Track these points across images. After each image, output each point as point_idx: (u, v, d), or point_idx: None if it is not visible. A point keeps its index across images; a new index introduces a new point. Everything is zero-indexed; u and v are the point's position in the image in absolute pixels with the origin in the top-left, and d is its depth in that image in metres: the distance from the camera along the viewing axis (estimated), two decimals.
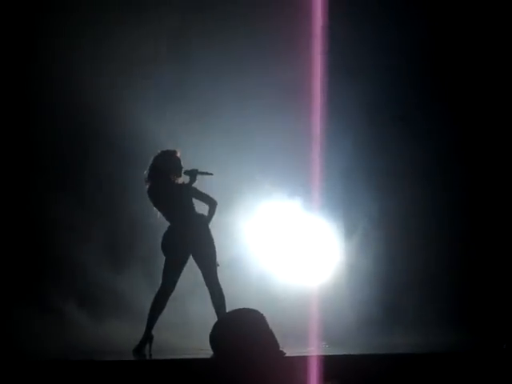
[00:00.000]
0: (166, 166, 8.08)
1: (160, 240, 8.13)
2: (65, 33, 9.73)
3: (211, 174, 8.17)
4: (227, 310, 7.45)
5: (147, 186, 8.11)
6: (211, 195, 8.10)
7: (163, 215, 8.13)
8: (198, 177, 8.10)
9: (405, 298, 9.46)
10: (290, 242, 10.06)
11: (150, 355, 7.86)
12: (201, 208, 8.15)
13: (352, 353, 7.34)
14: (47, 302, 9.46)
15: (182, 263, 8.07)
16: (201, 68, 10.03)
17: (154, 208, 8.15)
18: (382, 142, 9.82)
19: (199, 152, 8.64)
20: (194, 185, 8.10)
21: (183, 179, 8.13)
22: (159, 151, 8.18)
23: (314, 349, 8.18)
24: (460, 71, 9.79)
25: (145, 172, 8.13)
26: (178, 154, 8.14)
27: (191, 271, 8.16)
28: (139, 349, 7.94)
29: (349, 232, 9.96)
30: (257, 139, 9.88)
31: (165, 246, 8.09)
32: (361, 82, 9.63)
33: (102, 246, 9.90)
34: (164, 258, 8.09)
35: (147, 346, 7.98)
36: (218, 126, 9.85)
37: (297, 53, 9.79)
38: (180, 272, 8.06)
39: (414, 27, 9.69)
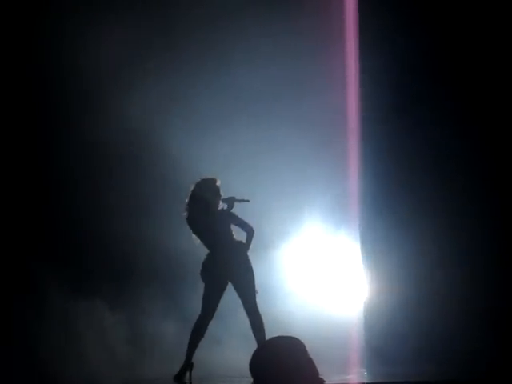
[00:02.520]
0: (205, 194, 8.15)
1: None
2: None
3: (248, 201, 8.24)
4: (267, 337, 7.57)
5: (186, 214, 8.19)
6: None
7: (202, 242, 8.20)
8: (235, 204, 8.19)
9: (439, 325, 9.32)
10: (330, 269, 10.04)
11: (191, 383, 7.91)
12: (238, 236, 8.22)
13: (392, 380, 7.32)
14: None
15: (221, 290, 8.12)
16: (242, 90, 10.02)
17: (193, 235, 8.22)
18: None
19: (228, 175, 8.63)
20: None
21: (221, 207, 8.21)
22: (199, 179, 8.26)
23: (353, 376, 8.16)
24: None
25: (185, 200, 8.21)
26: (218, 183, 8.21)
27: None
28: (180, 376, 7.99)
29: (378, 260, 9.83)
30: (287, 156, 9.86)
31: (204, 274, 8.15)
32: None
33: None
34: (203, 284, 8.16)
35: (187, 374, 8.03)
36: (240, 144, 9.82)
37: (327, 55, 9.76)
38: (219, 299, 8.10)
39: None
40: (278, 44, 9.83)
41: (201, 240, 8.18)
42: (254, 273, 8.12)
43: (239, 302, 8.11)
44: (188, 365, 8.03)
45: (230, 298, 8.20)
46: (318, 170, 9.74)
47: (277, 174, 9.82)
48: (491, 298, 9.01)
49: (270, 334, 7.39)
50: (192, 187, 8.22)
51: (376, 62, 9.41)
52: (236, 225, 8.16)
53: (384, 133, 9.54)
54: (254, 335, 7.93)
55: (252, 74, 9.79)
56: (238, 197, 8.20)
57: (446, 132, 9.36)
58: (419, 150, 9.50)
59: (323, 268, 10.05)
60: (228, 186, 8.28)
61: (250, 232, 8.12)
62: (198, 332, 8.08)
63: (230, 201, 8.17)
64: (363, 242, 9.69)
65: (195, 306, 8.21)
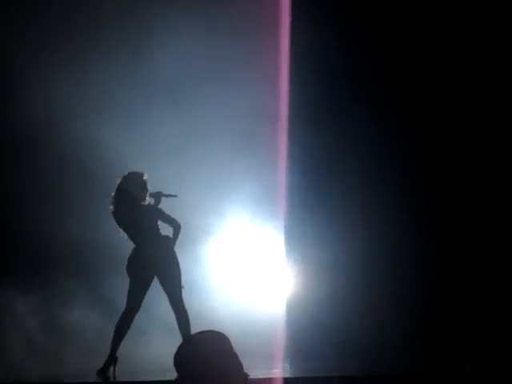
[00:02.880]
0: (131, 188, 8.12)
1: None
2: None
3: (175, 196, 8.25)
4: (192, 332, 7.56)
5: (112, 208, 8.15)
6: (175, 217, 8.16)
7: (128, 237, 8.17)
8: (163, 199, 8.18)
9: (367, 319, 9.39)
10: (253, 263, 10.09)
11: (115, 377, 7.87)
12: (165, 231, 8.21)
13: (315, 375, 7.40)
14: None
15: (147, 285, 8.10)
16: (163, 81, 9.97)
17: (120, 229, 8.18)
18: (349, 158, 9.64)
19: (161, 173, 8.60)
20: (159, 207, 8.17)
21: (148, 201, 8.20)
22: (126, 173, 8.22)
23: (277, 370, 8.23)
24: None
25: (112, 194, 8.17)
26: (145, 177, 8.18)
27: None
28: (104, 371, 7.94)
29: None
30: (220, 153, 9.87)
31: (130, 268, 8.12)
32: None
33: None
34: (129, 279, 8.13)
35: (111, 368, 7.99)
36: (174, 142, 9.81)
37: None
38: (145, 293, 8.09)
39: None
40: (202, 29, 9.77)
41: (127, 234, 8.16)
42: (181, 268, 8.13)
43: (164, 295, 8.11)
44: (112, 359, 8.00)
45: (156, 291, 8.20)
46: (246, 161, 9.76)
47: (204, 165, 9.82)
48: (421, 293, 9.13)
49: (195, 329, 7.39)
50: (119, 181, 8.18)
51: (306, 61, 9.47)
52: (163, 221, 8.15)
53: (314, 130, 9.59)
54: (180, 330, 7.94)
55: (177, 61, 9.76)
56: (165, 192, 8.20)
57: (382, 129, 9.43)
58: (354, 147, 9.54)
59: (249, 262, 10.10)
60: (154, 180, 8.26)
61: (176, 228, 8.12)
62: (123, 327, 8.04)
63: (158, 196, 8.16)
64: (288, 237, 9.73)
65: (120, 300, 8.19)
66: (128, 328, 8.06)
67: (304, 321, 9.45)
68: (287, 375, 7.57)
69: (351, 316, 9.20)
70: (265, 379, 6.51)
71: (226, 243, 10.11)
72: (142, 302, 8.09)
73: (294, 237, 9.70)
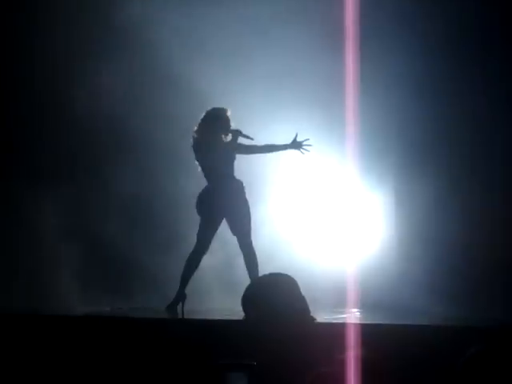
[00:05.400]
0: (215, 122, 8.09)
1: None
2: None
3: (252, 139, 8.18)
4: (260, 274, 7.52)
5: (192, 141, 8.15)
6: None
7: (202, 171, 8.17)
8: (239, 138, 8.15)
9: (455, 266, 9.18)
10: (326, 206, 9.97)
11: (183, 314, 7.93)
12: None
13: (385, 322, 7.27)
14: None
15: (217, 223, 8.11)
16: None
17: (196, 162, 8.19)
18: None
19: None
20: None
21: (228, 138, 8.18)
22: (210, 107, 8.21)
23: (345, 316, 8.15)
24: None
25: (194, 127, 8.15)
26: (228, 113, 8.15)
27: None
28: (172, 307, 8.03)
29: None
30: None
31: (200, 206, 8.14)
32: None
33: None
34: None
35: (180, 305, 8.06)
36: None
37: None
38: (214, 232, 8.11)
39: None
40: None
41: (201, 167, 8.17)
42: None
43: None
44: (181, 295, 8.07)
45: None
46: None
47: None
48: None
49: (263, 271, 7.28)
50: (202, 115, 8.18)
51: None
52: (243, 152, 8.16)
53: None
54: (248, 272, 7.91)
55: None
56: (243, 132, 8.15)
57: None
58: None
59: (321, 203, 9.97)
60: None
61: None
62: (193, 264, 8.10)
63: (236, 133, 8.12)
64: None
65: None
66: (197, 266, 8.13)
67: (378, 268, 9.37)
68: (355, 321, 7.46)
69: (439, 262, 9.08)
70: (332, 324, 6.42)
71: (300, 182, 10.00)
72: (211, 240, 8.12)
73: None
